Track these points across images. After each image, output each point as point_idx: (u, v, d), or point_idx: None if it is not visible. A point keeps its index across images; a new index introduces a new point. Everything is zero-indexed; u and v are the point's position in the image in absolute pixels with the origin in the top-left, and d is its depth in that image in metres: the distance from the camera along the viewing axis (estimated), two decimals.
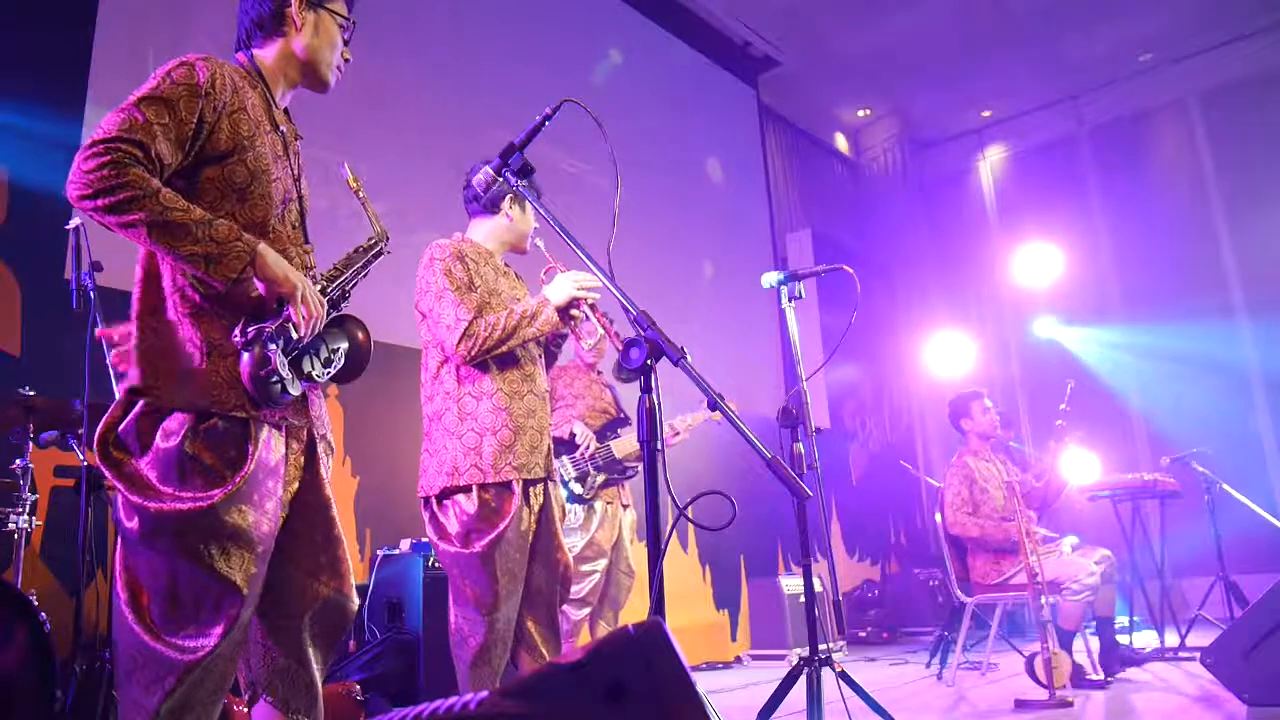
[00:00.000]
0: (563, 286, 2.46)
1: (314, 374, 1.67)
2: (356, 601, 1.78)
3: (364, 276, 1.84)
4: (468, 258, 2.53)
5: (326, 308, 1.69)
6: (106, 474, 1.54)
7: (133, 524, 1.52)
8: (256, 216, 1.66)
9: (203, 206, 1.59)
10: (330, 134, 4.09)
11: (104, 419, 1.57)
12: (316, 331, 1.66)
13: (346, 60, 1.88)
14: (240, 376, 1.56)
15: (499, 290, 2.56)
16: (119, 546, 1.57)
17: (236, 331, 1.57)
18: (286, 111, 1.85)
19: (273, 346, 1.56)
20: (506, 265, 2.70)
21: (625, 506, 3.72)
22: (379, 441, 4.41)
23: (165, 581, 1.52)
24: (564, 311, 2.47)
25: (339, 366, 1.73)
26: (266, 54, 1.79)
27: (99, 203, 1.46)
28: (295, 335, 1.60)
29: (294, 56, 1.80)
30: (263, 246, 1.57)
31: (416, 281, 2.55)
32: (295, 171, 1.80)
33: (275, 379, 1.56)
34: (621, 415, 3.75)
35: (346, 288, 1.80)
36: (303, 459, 1.73)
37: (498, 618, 2.34)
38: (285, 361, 1.58)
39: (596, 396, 3.77)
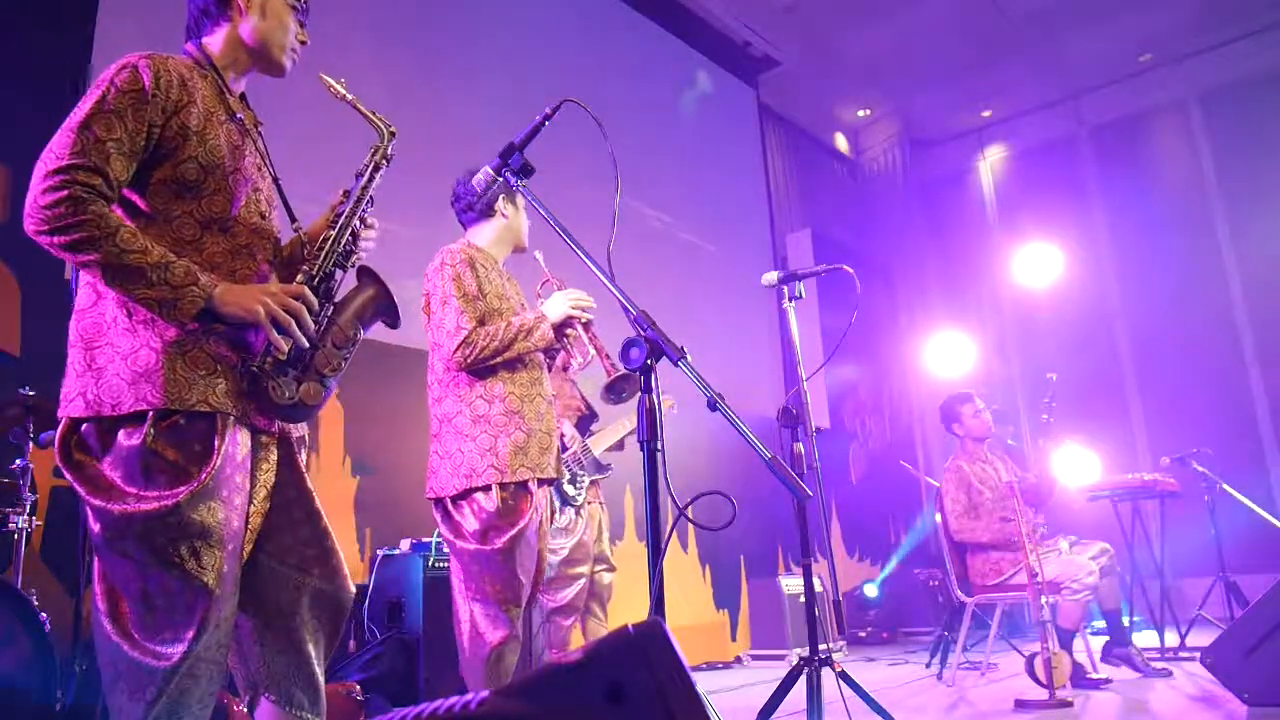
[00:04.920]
0: (559, 305, 2.53)
1: (327, 372, 1.65)
2: (352, 590, 1.74)
3: (376, 186, 1.82)
4: (478, 265, 2.57)
5: (313, 297, 1.65)
6: (67, 476, 1.50)
7: (97, 528, 1.48)
8: (215, 211, 1.62)
9: (156, 207, 1.58)
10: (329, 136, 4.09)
11: (63, 422, 1.53)
12: (309, 329, 1.62)
13: (303, 42, 1.83)
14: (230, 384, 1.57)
15: (508, 295, 2.61)
16: (94, 557, 1.53)
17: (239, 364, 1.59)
18: (244, 97, 1.81)
19: (254, 367, 1.57)
20: (508, 272, 2.73)
21: (601, 504, 3.75)
22: (379, 441, 4.41)
23: (138, 586, 1.48)
24: (559, 329, 2.53)
25: (350, 354, 1.71)
26: (214, 41, 1.75)
27: (55, 240, 1.45)
28: (284, 355, 1.59)
29: (242, 42, 1.75)
30: (220, 289, 1.53)
31: (425, 283, 2.59)
32: (258, 157, 1.75)
33: (280, 391, 1.58)
34: (590, 412, 3.78)
35: (350, 236, 1.76)
36: (276, 453, 1.70)
37: (518, 614, 2.39)
38: (272, 370, 1.58)
39: (570, 395, 3.79)
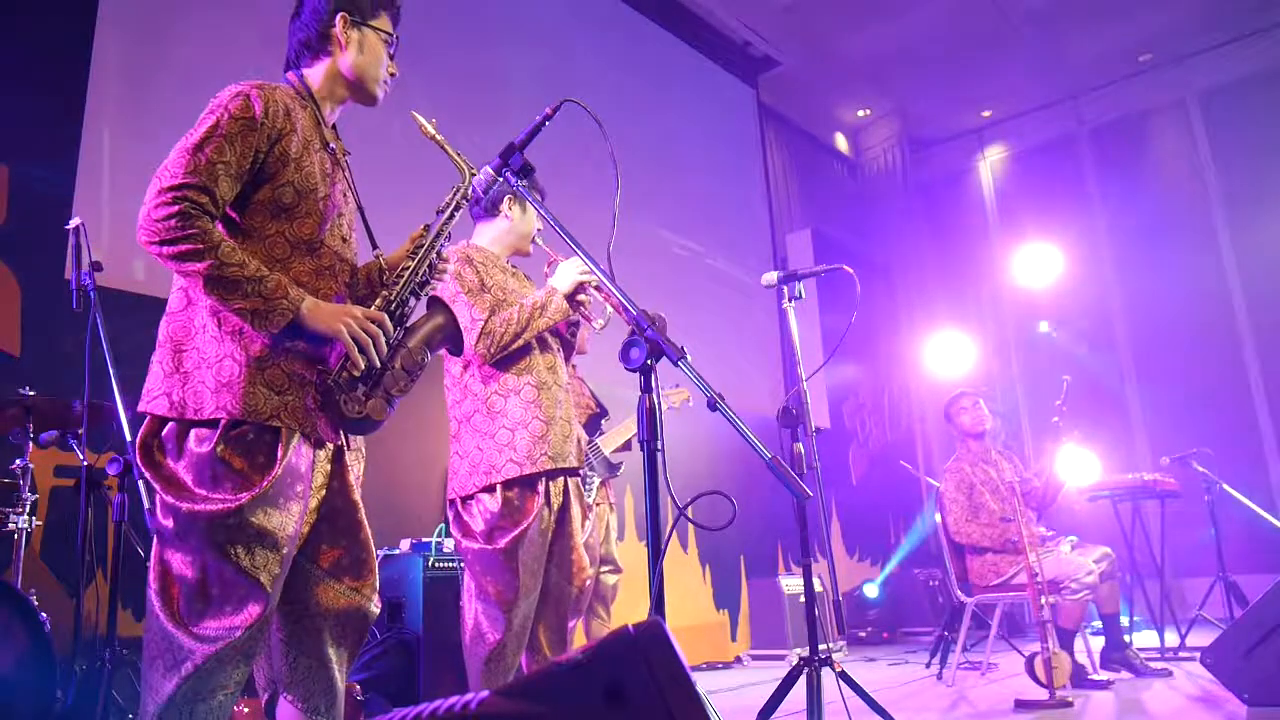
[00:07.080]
0: (567, 274, 2.52)
1: (394, 392, 1.76)
2: (379, 606, 1.82)
3: (455, 223, 1.93)
4: (475, 261, 2.57)
5: (390, 322, 1.77)
6: (146, 475, 1.63)
7: (168, 522, 1.61)
8: (304, 233, 1.74)
9: (253, 225, 1.70)
10: None
11: (145, 425, 1.66)
12: (383, 351, 1.74)
13: (393, 75, 1.94)
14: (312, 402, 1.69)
15: (510, 289, 2.59)
16: (154, 541, 1.65)
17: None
18: (335, 128, 1.92)
19: (330, 380, 1.68)
20: (514, 267, 2.72)
21: (611, 505, 3.74)
22: (379, 441, 4.38)
23: (195, 576, 1.60)
24: (571, 298, 2.52)
25: (417, 376, 1.81)
26: (315, 74, 1.87)
27: (164, 250, 1.58)
28: (359, 371, 1.70)
29: (341, 75, 1.87)
30: (308, 304, 1.65)
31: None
32: (345, 185, 1.87)
33: (350, 405, 1.69)
34: (600, 410, 3.76)
35: (428, 267, 1.88)
36: (330, 465, 1.79)
37: (516, 614, 2.37)
38: (345, 389, 1.69)
39: (579, 393, 3.76)
